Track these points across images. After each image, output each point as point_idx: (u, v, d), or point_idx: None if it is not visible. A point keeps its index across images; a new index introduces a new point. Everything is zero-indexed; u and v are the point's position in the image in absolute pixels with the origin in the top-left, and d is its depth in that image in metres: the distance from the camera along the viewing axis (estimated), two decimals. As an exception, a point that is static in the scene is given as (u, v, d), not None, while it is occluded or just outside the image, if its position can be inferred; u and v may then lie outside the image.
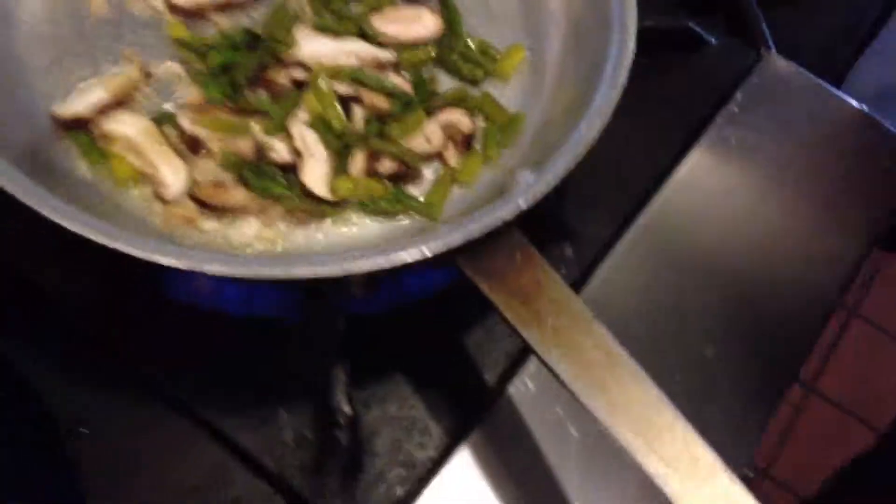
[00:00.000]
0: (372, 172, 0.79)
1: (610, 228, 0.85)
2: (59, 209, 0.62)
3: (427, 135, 0.80)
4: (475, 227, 0.65)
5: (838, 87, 1.01)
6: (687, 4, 1.12)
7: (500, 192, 0.77)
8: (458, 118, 0.81)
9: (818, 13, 1.15)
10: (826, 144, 0.91)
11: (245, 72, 0.80)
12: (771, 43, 1.01)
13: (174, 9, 0.84)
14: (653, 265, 0.83)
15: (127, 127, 0.77)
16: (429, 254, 0.64)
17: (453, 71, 0.86)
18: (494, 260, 0.67)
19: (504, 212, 0.66)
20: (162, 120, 0.78)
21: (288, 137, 0.78)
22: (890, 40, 1.12)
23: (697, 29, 0.96)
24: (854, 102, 0.95)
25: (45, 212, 0.61)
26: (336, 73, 0.80)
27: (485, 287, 0.66)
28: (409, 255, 0.64)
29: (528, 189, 0.68)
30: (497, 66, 0.86)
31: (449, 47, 0.86)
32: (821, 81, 0.96)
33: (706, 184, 0.88)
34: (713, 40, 0.97)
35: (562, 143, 0.72)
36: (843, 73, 1.06)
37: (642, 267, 0.83)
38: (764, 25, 1.03)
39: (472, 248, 0.66)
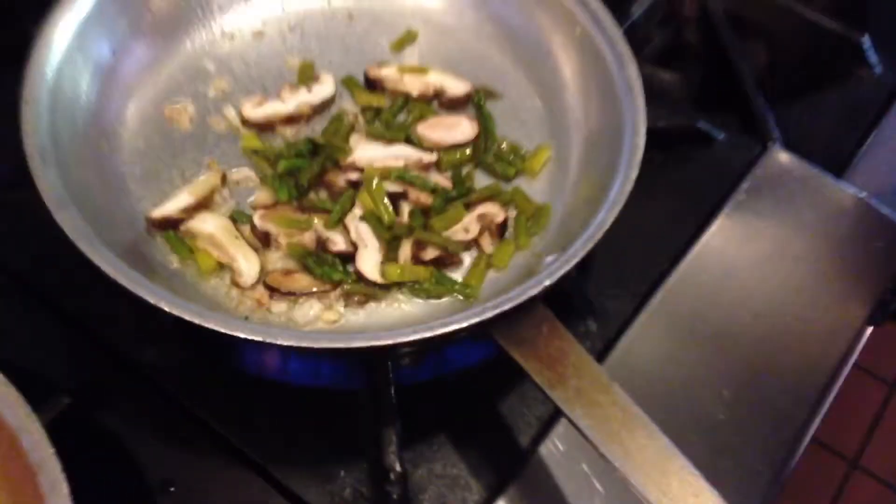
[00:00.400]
0: (418, 259, 0.90)
1: (630, 305, 0.95)
2: (159, 294, 0.74)
3: (465, 226, 0.92)
4: (507, 303, 0.76)
5: (840, 176, 1.11)
6: (698, 102, 1.25)
7: (529, 273, 0.88)
8: (493, 210, 0.93)
9: (822, 106, 1.27)
10: (825, 228, 1.01)
11: (308, 176, 0.93)
12: (777, 136, 1.12)
13: (247, 123, 0.98)
14: (669, 337, 0.93)
15: (208, 225, 0.90)
16: (466, 326, 0.75)
17: (488, 169, 0.98)
18: (524, 331, 0.78)
19: (532, 290, 0.77)
20: (238, 218, 0.91)
21: (345, 230, 0.91)
22: (890, 132, 1.22)
23: (706, 128, 1.08)
24: (851, 190, 1.05)
25: (150, 298, 0.73)
26: (386, 174, 0.93)
27: (516, 354, 0.76)
28: (450, 328, 0.75)
29: (553, 269, 0.79)
30: (526, 164, 0.98)
31: (484, 149, 0.99)
32: (821, 171, 1.06)
33: (717, 263, 0.98)
34: (721, 136, 1.09)
35: (583, 229, 0.83)
36: (847, 163, 1.16)
37: (660, 339, 0.92)
38: (771, 120, 1.14)
39: (504, 321, 0.77)
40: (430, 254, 0.90)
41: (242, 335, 0.72)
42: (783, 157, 1.07)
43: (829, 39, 1.28)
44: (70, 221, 0.78)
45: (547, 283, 0.78)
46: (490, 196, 0.95)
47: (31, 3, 0.92)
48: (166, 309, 0.73)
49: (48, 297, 0.92)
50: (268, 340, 0.72)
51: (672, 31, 1.39)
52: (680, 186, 1.04)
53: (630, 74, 0.93)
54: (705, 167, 1.07)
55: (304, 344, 0.74)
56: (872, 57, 1.27)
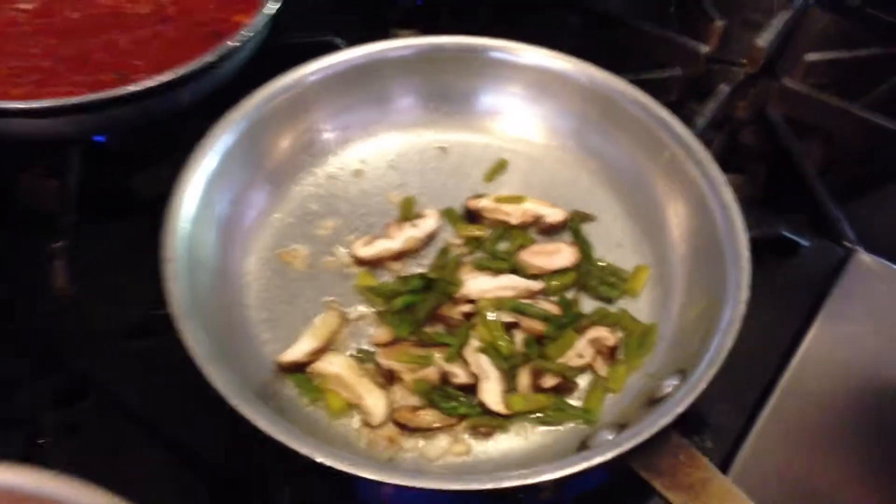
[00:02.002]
0: (537, 387, 0.94)
1: (741, 418, 0.98)
2: (314, 447, 0.77)
3: (579, 351, 0.96)
4: (644, 435, 0.79)
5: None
6: (765, 204, 1.29)
7: (647, 396, 0.91)
8: (603, 334, 0.97)
9: (886, 203, 1.31)
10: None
11: (425, 311, 0.97)
12: (852, 236, 1.16)
13: (360, 262, 1.03)
14: (785, 447, 0.95)
15: (334, 366, 0.93)
16: (608, 459, 0.78)
17: (592, 292, 1.02)
18: (661, 460, 0.80)
19: (665, 418, 0.80)
20: (362, 358, 0.95)
21: (464, 363, 0.94)
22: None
23: (791, 235, 1.12)
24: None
25: (305, 450, 0.77)
26: (498, 305, 0.97)
27: (657, 484, 0.79)
28: (593, 462, 0.78)
29: (681, 396, 0.82)
30: (628, 285, 1.02)
31: (586, 272, 1.03)
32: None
33: (821, 370, 1.00)
34: (806, 242, 1.13)
35: (702, 352, 0.87)
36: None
37: (776, 450, 0.95)
38: (844, 222, 1.18)
39: (640, 452, 0.80)
40: (549, 381, 0.94)
41: (400, 482, 0.75)
42: (866, 259, 1.11)
43: (885, 137, 1.32)
44: (217, 375, 0.81)
45: (679, 410, 0.81)
46: (598, 320, 0.99)
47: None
48: (325, 463, 0.76)
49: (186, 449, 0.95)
50: (407, 483, 0.75)
51: (728, 134, 1.46)
52: (772, 296, 1.07)
53: (725, 196, 0.98)
54: (793, 275, 1.11)
55: (453, 487, 0.77)
56: (930, 152, 1.32)
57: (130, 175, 1.18)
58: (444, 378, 0.94)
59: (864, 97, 1.40)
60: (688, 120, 1.13)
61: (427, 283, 1.00)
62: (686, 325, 0.96)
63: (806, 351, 1.03)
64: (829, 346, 1.03)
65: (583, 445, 0.88)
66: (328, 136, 1.12)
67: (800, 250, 1.13)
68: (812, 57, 1.42)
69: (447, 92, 1.15)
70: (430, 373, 0.94)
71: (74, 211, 1.10)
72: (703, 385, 0.83)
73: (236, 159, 1.01)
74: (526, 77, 1.13)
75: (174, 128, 1.15)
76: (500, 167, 1.13)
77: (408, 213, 1.08)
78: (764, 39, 1.40)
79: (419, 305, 0.98)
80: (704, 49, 1.41)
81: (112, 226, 1.13)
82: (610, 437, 0.86)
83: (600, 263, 1.04)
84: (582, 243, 1.05)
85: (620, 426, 0.88)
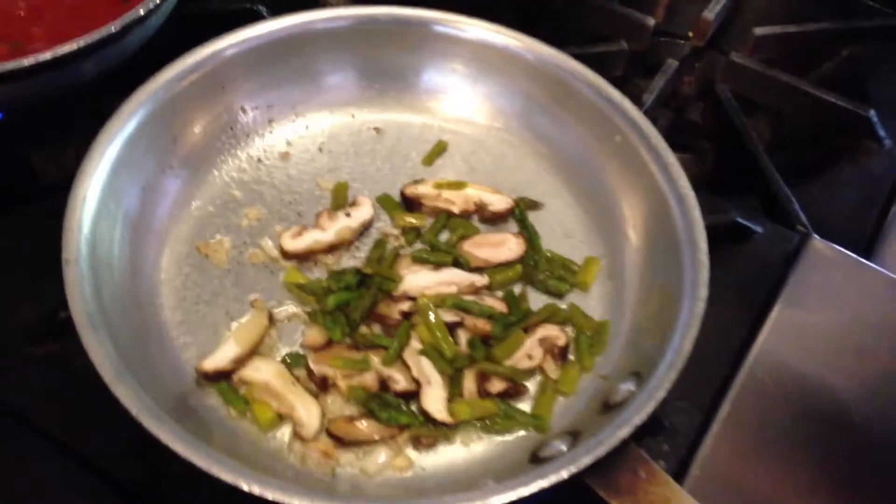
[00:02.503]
0: (483, 392, 0.87)
1: (698, 418, 0.93)
2: (239, 472, 0.69)
3: (528, 352, 0.89)
4: (602, 449, 0.73)
5: (868, 256, 1.10)
6: (712, 185, 1.24)
7: (601, 400, 0.85)
8: (553, 333, 0.90)
9: (837, 184, 1.27)
10: (877, 316, 1.00)
11: (360, 310, 0.89)
12: (805, 220, 1.12)
13: (288, 255, 0.94)
14: (741, 450, 0.90)
15: (262, 373, 0.85)
16: (566, 477, 0.71)
17: (539, 286, 0.95)
18: (620, 476, 0.74)
19: (623, 430, 0.74)
20: (292, 362, 0.87)
21: (405, 367, 0.87)
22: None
23: (744, 221, 1.07)
24: (886, 272, 1.05)
25: (228, 477, 0.68)
26: (440, 302, 0.90)
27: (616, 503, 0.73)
28: (547, 481, 0.71)
29: (641, 405, 0.76)
30: (578, 278, 0.96)
31: (533, 265, 0.96)
32: (856, 256, 1.06)
33: (777, 364, 0.96)
34: (760, 229, 1.08)
35: (659, 355, 0.81)
36: (872, 243, 1.16)
37: (731, 454, 0.90)
38: (796, 205, 1.14)
39: (599, 467, 0.74)
40: (497, 386, 0.87)
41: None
42: (820, 245, 1.07)
43: (836, 115, 1.28)
44: (128, 395, 0.72)
45: (638, 421, 0.75)
46: (547, 317, 0.92)
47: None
48: (252, 490, 0.68)
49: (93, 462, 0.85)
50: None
51: (674, 111, 1.40)
52: (726, 286, 1.02)
53: (681, 185, 0.92)
54: (747, 263, 1.06)
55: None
56: (881, 131, 1.28)
57: (29, 155, 1.06)
58: (383, 384, 0.86)
59: (813, 73, 1.35)
60: (635, 97, 1.06)
61: (362, 279, 0.92)
62: (641, 324, 0.90)
63: (762, 345, 0.98)
64: (786, 339, 0.98)
65: (534, 457, 0.81)
66: (250, 115, 1.02)
67: (753, 236, 1.08)
68: (760, 31, 1.36)
69: (383, 68, 1.06)
70: (368, 379, 0.86)
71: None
72: (661, 393, 0.77)
73: (144, 144, 0.90)
74: (469, 53, 1.04)
75: (77, 103, 1.03)
76: (439, 149, 1.05)
77: (340, 200, 0.99)
78: (711, 11, 1.33)
79: (354, 304, 0.89)
80: (651, 21, 1.34)
81: (10, 215, 1.01)
82: (563, 447, 0.80)
83: (548, 255, 0.97)
84: (529, 233, 0.98)
85: (573, 434, 0.82)
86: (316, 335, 0.89)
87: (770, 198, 1.16)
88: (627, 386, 0.83)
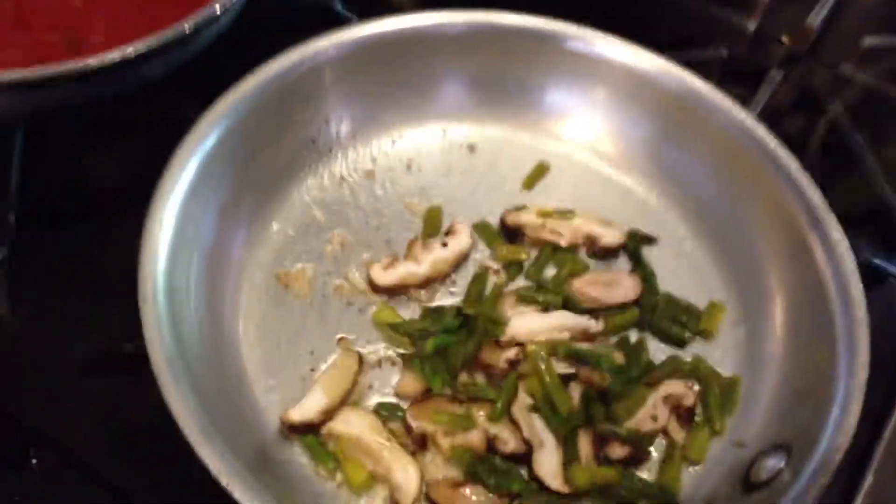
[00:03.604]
0: (602, 457, 0.76)
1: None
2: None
3: (652, 412, 0.78)
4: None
5: None
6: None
7: (738, 472, 0.75)
8: (679, 390, 0.80)
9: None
10: None
11: (464, 357, 0.79)
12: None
13: (377, 289, 0.84)
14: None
15: (352, 427, 0.75)
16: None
17: (658, 333, 0.85)
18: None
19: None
20: (386, 414, 0.77)
21: (513, 425, 0.76)
22: None
23: (881, 263, 0.96)
24: None
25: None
26: (552, 350, 0.79)
27: None
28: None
29: (801, 495, 0.66)
30: (701, 324, 0.85)
31: (650, 308, 0.85)
32: None
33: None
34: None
35: (814, 429, 0.71)
36: None
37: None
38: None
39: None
40: (618, 451, 0.76)
41: None
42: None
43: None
44: (214, 458, 0.63)
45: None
46: (672, 371, 0.81)
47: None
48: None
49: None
50: None
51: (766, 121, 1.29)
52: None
53: (830, 230, 0.81)
54: (881, 310, 0.94)
55: None
56: None
57: (78, 162, 0.96)
58: (489, 444, 0.75)
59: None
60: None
61: (464, 321, 0.81)
62: (785, 386, 0.79)
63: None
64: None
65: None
66: (333, 128, 0.92)
67: (888, 279, 0.97)
68: (871, 41, 1.24)
69: (491, 81, 0.94)
70: (473, 438, 0.76)
71: (13, 211, 0.87)
72: (825, 478, 0.67)
73: (222, 162, 0.80)
74: (600, 76, 0.93)
75: (134, 104, 0.93)
76: (540, 172, 0.94)
77: (434, 227, 0.88)
78: (816, 16, 1.22)
79: (455, 350, 0.79)
80: (752, 25, 1.22)
81: (59, 231, 0.91)
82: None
83: (667, 297, 0.86)
84: (644, 271, 0.87)
85: (707, 509, 0.72)
86: (411, 383, 0.79)
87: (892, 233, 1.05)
88: (775, 461, 0.73)
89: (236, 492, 0.61)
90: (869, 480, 0.81)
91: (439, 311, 0.82)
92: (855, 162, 1.13)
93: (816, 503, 0.66)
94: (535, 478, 0.74)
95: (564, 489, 0.74)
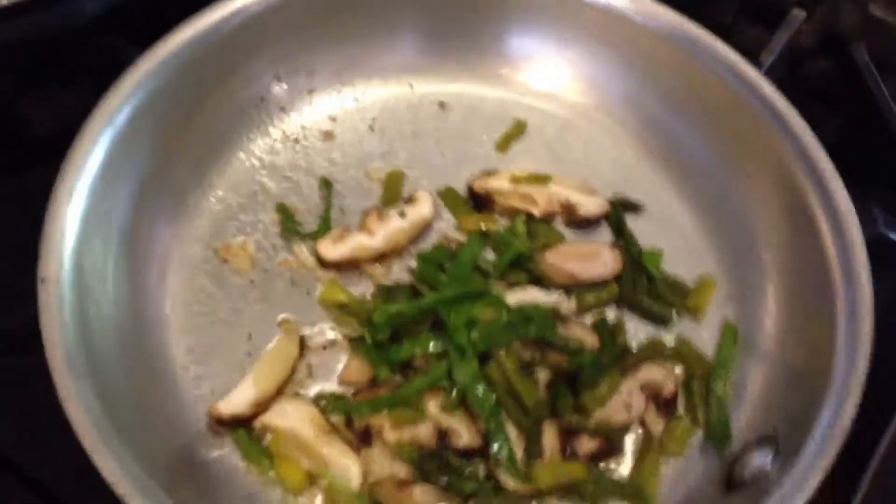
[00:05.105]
0: (568, 451, 0.68)
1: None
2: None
3: (626, 400, 0.70)
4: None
5: None
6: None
7: (722, 468, 0.67)
8: (658, 377, 0.71)
9: None
10: None
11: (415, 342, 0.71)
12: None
13: (325, 264, 0.76)
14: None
15: (290, 419, 0.68)
16: None
17: (640, 312, 0.76)
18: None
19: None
20: (327, 406, 0.69)
21: (469, 416, 0.69)
22: None
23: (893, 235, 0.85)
24: None
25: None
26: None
27: None
28: None
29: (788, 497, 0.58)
30: (689, 302, 0.76)
31: (632, 284, 0.76)
32: None
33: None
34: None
35: (805, 423, 0.62)
36: None
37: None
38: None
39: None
40: (587, 445, 0.68)
41: None
42: None
43: None
44: (113, 469, 0.56)
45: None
46: (650, 355, 0.73)
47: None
48: None
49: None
50: None
51: (786, 64, 1.16)
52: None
53: (839, 203, 0.71)
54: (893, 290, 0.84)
55: None
56: None
57: (20, 102, 0.88)
58: (442, 438, 0.68)
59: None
60: (749, 54, 0.84)
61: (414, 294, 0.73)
62: (776, 374, 0.70)
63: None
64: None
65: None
66: (286, 84, 0.83)
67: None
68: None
69: (451, 27, 0.84)
70: (423, 431, 0.68)
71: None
72: (815, 480, 0.58)
73: (149, 124, 0.72)
74: (569, 16, 0.83)
75: (76, 47, 0.85)
76: (517, 132, 0.85)
77: (393, 194, 0.80)
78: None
79: (407, 332, 0.71)
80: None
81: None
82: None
83: (651, 272, 0.77)
84: (628, 243, 0.78)
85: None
86: (357, 369, 0.72)
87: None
88: (761, 458, 0.64)
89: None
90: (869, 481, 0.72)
91: (393, 288, 0.74)
92: (880, 116, 1.02)
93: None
94: (491, 476, 0.67)
95: (525, 489, 0.66)
